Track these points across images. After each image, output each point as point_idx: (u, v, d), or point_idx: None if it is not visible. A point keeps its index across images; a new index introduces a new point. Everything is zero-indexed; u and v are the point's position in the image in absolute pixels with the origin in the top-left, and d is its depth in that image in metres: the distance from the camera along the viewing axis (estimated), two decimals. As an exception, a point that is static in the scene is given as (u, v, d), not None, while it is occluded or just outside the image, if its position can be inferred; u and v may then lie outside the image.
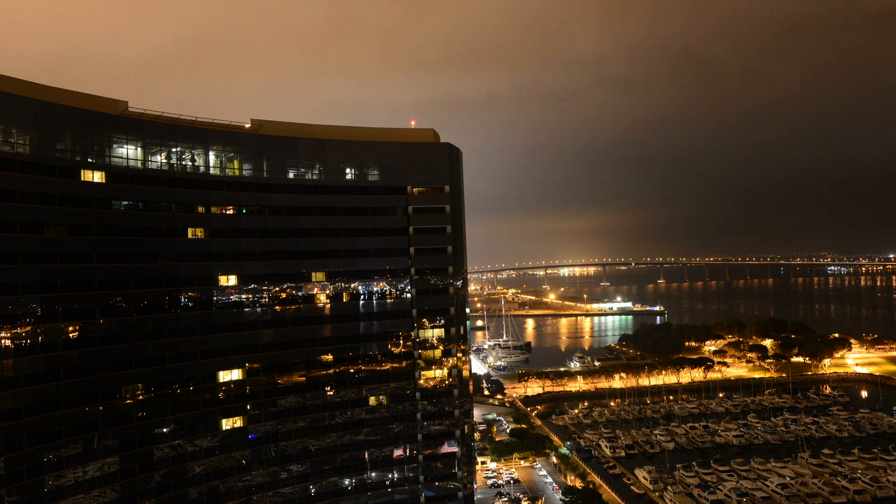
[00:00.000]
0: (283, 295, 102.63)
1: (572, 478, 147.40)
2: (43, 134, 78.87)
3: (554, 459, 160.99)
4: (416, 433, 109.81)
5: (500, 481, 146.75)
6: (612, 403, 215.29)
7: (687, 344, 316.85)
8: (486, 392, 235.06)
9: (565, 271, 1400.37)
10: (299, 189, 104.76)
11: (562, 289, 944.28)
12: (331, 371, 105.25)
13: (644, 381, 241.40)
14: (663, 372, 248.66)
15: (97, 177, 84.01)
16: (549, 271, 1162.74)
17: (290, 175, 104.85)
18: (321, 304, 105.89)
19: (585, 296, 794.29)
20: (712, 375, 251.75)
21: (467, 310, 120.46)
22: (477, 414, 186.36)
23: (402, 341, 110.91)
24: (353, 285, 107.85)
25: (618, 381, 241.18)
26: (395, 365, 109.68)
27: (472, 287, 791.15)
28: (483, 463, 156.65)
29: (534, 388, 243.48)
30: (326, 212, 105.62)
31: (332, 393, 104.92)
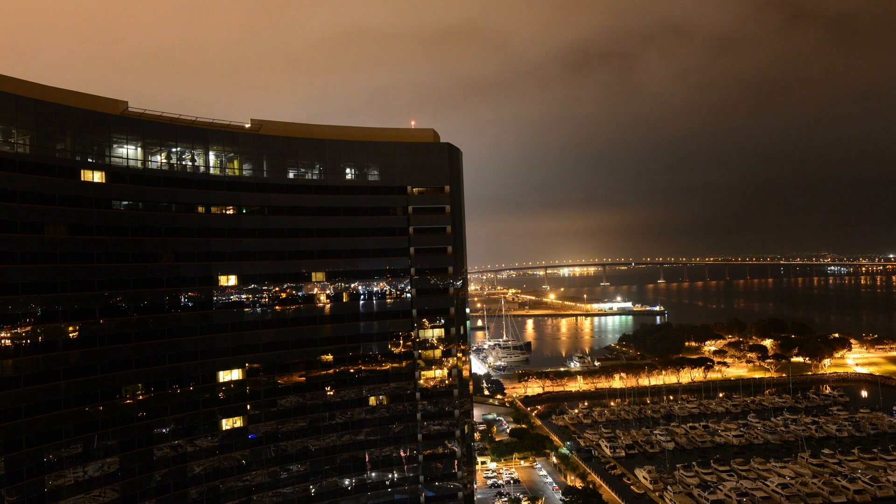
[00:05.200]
0: (283, 295, 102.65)
1: (572, 478, 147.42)
2: (43, 134, 78.93)
3: (554, 459, 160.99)
4: (416, 433, 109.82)
5: (500, 481, 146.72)
6: (612, 403, 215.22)
7: (687, 344, 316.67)
8: (486, 392, 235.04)
9: (565, 271, 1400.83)
10: (299, 189, 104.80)
11: (562, 289, 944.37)
12: (331, 371, 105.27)
13: (644, 381, 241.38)
14: (663, 372, 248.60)
15: (97, 177, 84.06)
16: (549, 271, 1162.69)
17: (290, 175, 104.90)
18: (321, 304, 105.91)
19: (585, 296, 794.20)
20: (712, 375, 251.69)
21: (467, 310, 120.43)
22: (477, 414, 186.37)
23: (401, 341, 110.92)
24: (353, 285, 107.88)
25: (618, 381, 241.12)
26: (395, 365, 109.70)
27: (472, 287, 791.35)
28: (483, 463, 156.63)
29: (534, 388, 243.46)
30: (326, 212, 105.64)
31: (332, 393, 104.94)
